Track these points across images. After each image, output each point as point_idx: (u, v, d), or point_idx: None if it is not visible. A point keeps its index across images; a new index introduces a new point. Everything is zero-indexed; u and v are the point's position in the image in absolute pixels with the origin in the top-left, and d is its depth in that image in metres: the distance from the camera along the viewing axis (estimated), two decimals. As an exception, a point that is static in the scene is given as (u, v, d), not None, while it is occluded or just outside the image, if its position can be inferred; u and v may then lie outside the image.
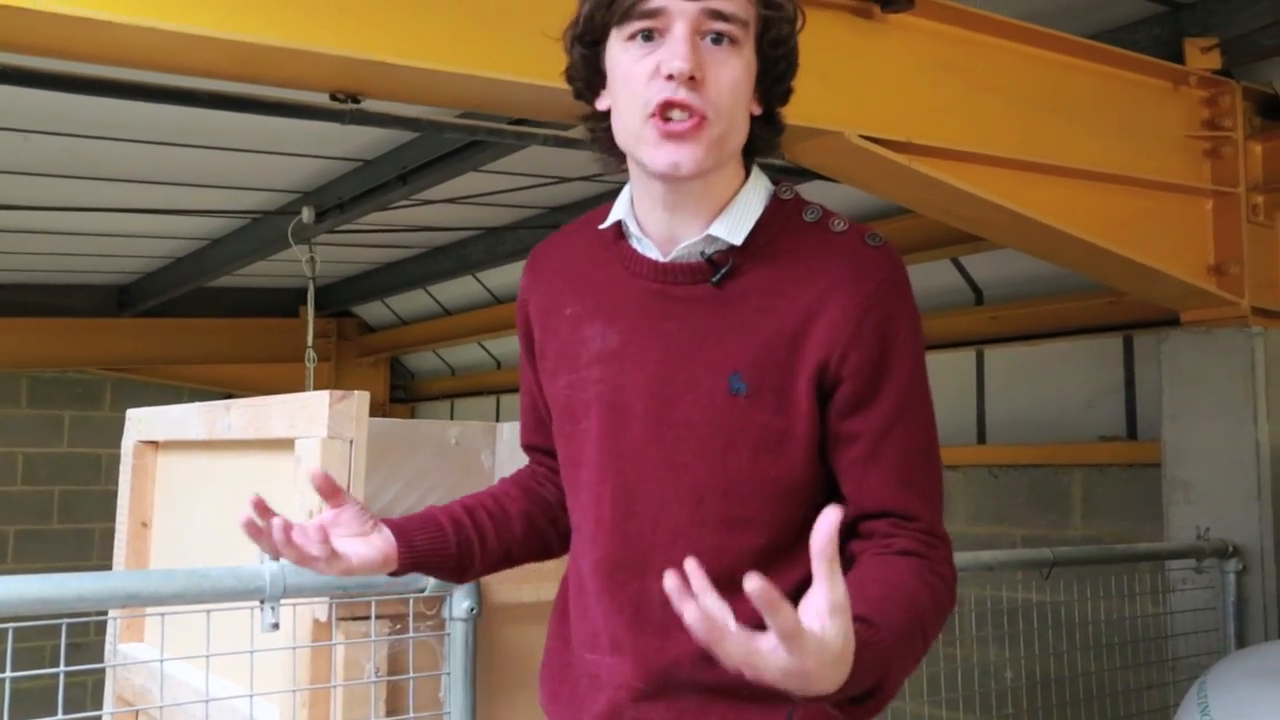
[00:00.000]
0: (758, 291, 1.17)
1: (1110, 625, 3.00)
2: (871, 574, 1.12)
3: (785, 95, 1.23)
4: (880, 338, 1.15)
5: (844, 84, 2.37)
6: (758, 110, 1.20)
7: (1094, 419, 3.98)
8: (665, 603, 1.14)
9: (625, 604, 1.21)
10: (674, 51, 1.11)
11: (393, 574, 1.27)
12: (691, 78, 1.10)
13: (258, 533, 1.11)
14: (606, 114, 1.21)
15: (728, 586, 0.93)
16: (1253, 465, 2.92)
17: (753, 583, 0.83)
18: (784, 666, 0.87)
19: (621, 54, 1.15)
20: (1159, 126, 2.97)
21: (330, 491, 1.19)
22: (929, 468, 1.19)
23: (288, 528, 1.13)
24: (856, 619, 0.95)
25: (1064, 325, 4.06)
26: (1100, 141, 2.81)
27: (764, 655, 0.87)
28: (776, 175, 1.30)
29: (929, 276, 4.33)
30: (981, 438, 4.36)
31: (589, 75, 1.21)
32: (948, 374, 4.39)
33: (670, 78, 1.11)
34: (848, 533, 1.17)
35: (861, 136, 2.37)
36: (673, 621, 1.11)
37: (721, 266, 1.18)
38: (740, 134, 1.17)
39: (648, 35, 1.13)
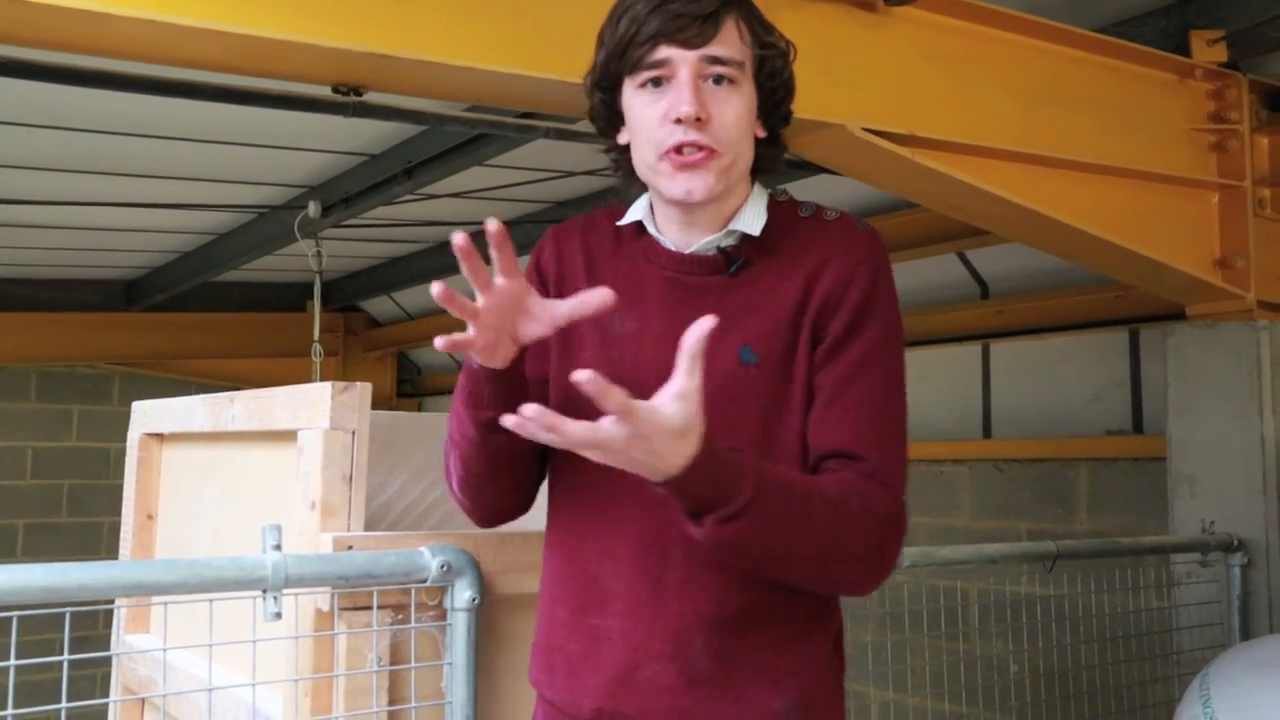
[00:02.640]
0: (765, 277, 1.32)
1: (1115, 619, 3.00)
2: None
3: (786, 119, 1.38)
4: (859, 303, 1.28)
5: (847, 77, 2.37)
6: (762, 134, 1.36)
7: (1100, 413, 3.98)
8: (684, 565, 1.26)
9: (650, 567, 1.28)
10: (680, 97, 1.25)
11: (491, 373, 1.25)
12: (698, 119, 1.25)
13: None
14: (627, 146, 1.36)
15: None
16: (1258, 459, 2.91)
17: (581, 375, 0.99)
18: (624, 437, 1.03)
19: (634, 99, 1.30)
20: (1165, 119, 2.96)
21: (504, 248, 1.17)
22: (885, 423, 1.28)
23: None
24: (729, 449, 1.12)
25: (1070, 319, 4.05)
26: (1105, 135, 2.80)
27: (605, 431, 1.03)
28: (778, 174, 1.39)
29: (934, 271, 4.33)
30: (987, 432, 4.36)
31: (609, 116, 1.36)
32: (953, 368, 4.38)
33: (679, 121, 1.25)
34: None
35: (865, 129, 2.36)
36: (691, 587, 1.26)
37: (735, 259, 1.32)
38: (746, 159, 1.32)
39: (656, 82, 1.28)
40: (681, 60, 1.26)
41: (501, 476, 1.36)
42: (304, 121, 3.50)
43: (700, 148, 1.26)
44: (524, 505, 1.44)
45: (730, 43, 1.27)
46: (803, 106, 2.35)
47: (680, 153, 1.26)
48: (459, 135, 3.68)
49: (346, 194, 4.39)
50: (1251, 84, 3.06)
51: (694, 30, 1.25)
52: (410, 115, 2.84)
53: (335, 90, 2.09)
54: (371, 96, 2.19)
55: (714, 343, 1.25)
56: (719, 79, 1.27)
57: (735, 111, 1.28)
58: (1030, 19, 2.66)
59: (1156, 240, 2.89)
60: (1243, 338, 2.97)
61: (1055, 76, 2.73)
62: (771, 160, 1.37)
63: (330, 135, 3.98)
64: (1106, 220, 2.78)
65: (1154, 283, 3.09)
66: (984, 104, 2.59)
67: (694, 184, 1.27)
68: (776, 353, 1.28)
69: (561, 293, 1.37)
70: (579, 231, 1.44)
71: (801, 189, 3.87)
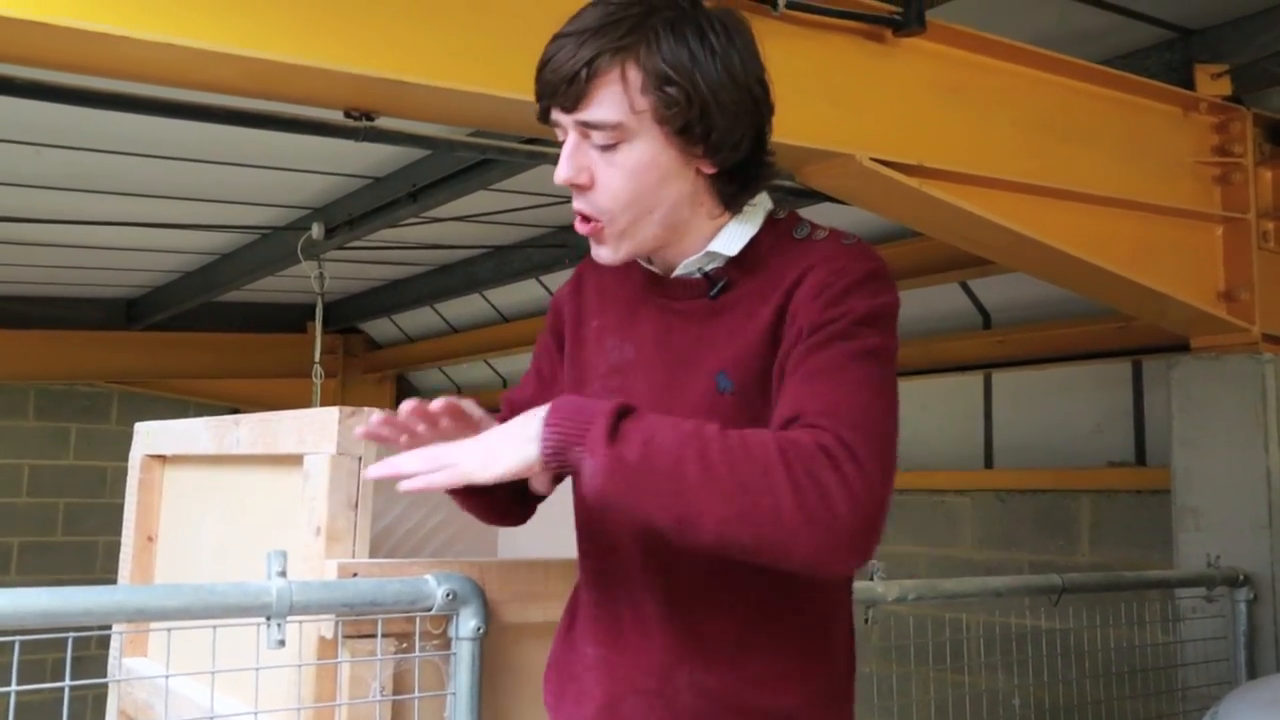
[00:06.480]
0: (745, 300, 1.25)
1: (1119, 653, 2.98)
2: None
3: (735, 149, 1.22)
4: (835, 298, 1.17)
5: (855, 107, 2.37)
6: (711, 170, 1.23)
7: (1102, 444, 3.97)
8: (668, 594, 1.24)
9: (634, 595, 1.26)
10: (559, 162, 1.22)
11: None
12: (576, 184, 1.22)
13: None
14: None
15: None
16: (1263, 493, 2.90)
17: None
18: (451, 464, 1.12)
19: None
20: (1169, 152, 2.97)
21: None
22: (839, 389, 1.12)
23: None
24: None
25: (1073, 350, 4.05)
26: (1110, 166, 2.81)
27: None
28: (783, 197, 1.35)
29: (937, 300, 4.33)
30: (989, 462, 4.35)
31: None
32: (955, 398, 4.38)
33: None
34: None
35: (872, 159, 2.37)
36: (677, 617, 1.23)
37: (718, 282, 1.26)
38: (660, 211, 1.22)
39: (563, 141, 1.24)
40: (565, 123, 1.20)
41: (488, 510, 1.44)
42: (309, 143, 3.51)
43: (585, 218, 1.23)
44: (519, 519, 1.47)
45: (605, 103, 1.16)
46: (811, 136, 2.38)
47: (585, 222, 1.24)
48: (464, 159, 3.69)
49: (350, 216, 4.40)
50: (1255, 118, 3.07)
51: (563, 93, 1.17)
52: (420, 140, 2.84)
53: (347, 114, 2.09)
54: (382, 121, 2.19)
55: (693, 370, 1.25)
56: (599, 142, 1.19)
57: (622, 173, 1.19)
58: (1037, 51, 2.68)
59: (1161, 272, 2.89)
60: (1248, 371, 2.97)
61: (1061, 108, 2.74)
62: (733, 194, 1.25)
63: (335, 157, 3.99)
64: (1111, 252, 2.78)
65: (1158, 315, 3.10)
66: (991, 135, 2.60)
67: (599, 252, 1.26)
68: (751, 378, 1.21)
69: (579, 327, 1.38)
70: (597, 265, 1.41)
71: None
